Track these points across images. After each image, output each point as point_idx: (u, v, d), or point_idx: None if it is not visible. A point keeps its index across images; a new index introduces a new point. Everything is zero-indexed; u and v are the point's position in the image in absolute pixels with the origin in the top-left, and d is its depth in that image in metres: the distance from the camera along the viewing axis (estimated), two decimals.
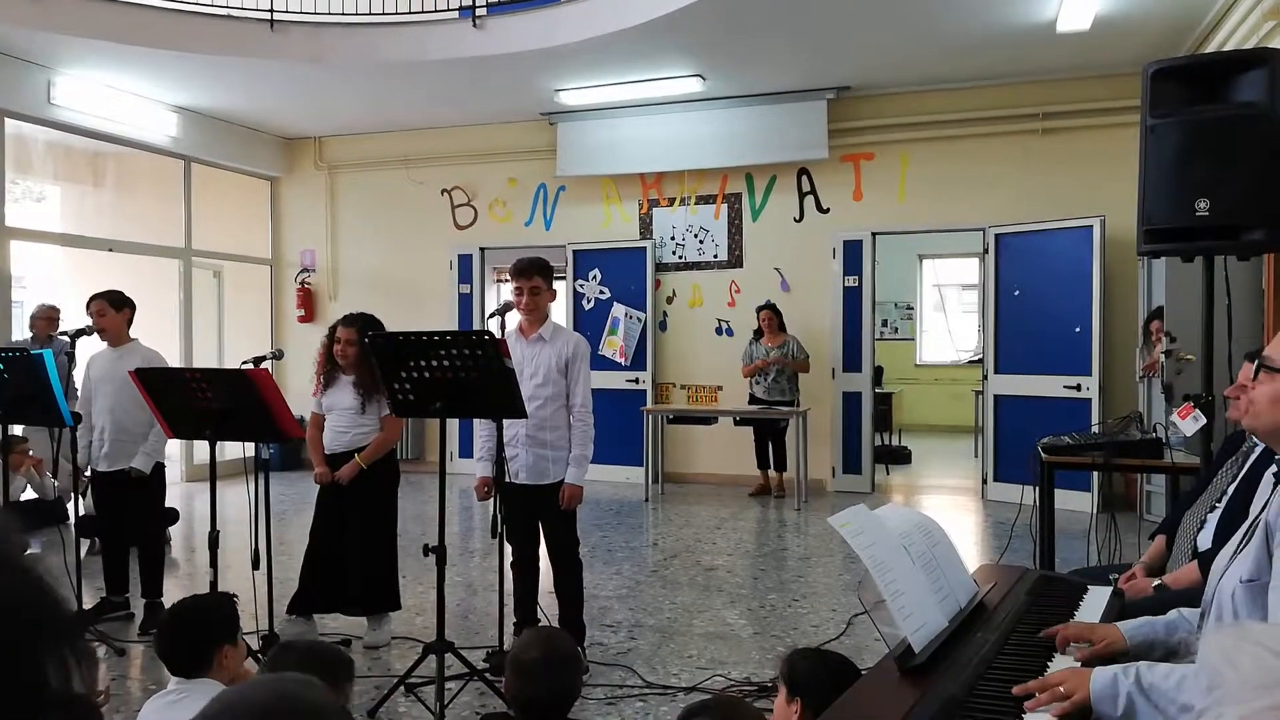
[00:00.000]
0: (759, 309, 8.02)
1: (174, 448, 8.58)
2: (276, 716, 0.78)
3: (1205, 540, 2.73)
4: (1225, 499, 2.78)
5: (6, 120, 7.34)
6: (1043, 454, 4.27)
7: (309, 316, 9.92)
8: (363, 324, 4.32)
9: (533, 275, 3.95)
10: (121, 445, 4.62)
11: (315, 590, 4.36)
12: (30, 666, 0.55)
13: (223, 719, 0.78)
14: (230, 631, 2.34)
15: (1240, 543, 1.69)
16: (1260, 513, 1.66)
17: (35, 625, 0.56)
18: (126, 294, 4.80)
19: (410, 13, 7.38)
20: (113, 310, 4.68)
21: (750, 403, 8.07)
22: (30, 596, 0.57)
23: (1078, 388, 7.29)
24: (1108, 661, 1.66)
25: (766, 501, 7.93)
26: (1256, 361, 1.68)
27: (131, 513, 4.68)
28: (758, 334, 8.10)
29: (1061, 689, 1.50)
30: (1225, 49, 5.84)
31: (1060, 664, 1.72)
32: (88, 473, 4.76)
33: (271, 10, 7.25)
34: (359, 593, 4.33)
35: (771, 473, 8.20)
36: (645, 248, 8.87)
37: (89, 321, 4.65)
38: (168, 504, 5.70)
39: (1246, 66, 3.25)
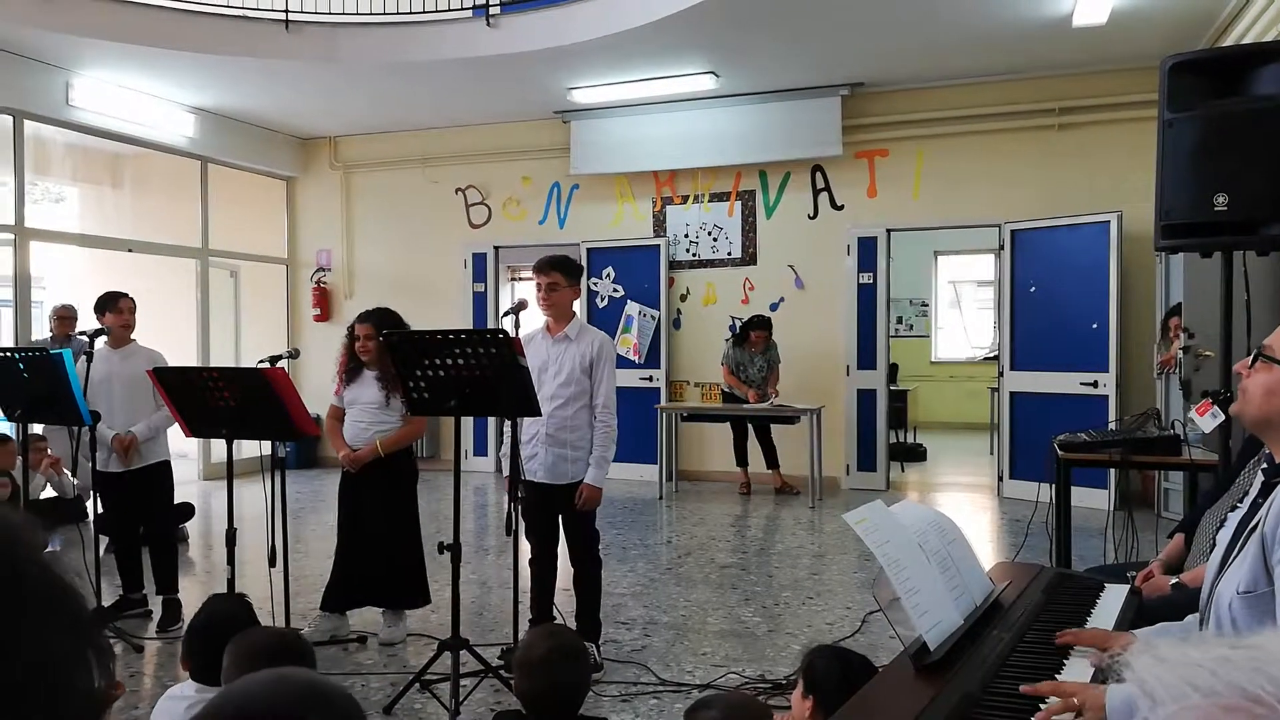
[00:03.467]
0: (751, 326, 7.98)
1: (191, 446, 8.66)
2: (311, 703, 0.78)
3: (1225, 540, 2.70)
4: (1247, 498, 2.75)
5: (26, 122, 7.41)
6: (1059, 451, 4.25)
7: (325, 316, 9.97)
8: (379, 318, 4.37)
9: (548, 271, 3.95)
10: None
11: (344, 585, 4.39)
12: (53, 665, 0.55)
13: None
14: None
15: (1237, 549, 1.64)
16: (1256, 518, 1.62)
17: (57, 624, 0.56)
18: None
19: (424, 12, 7.41)
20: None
21: (727, 402, 8.19)
22: (52, 595, 0.57)
23: (1094, 384, 7.24)
24: None
25: (772, 499, 7.92)
26: (1255, 350, 1.66)
27: (137, 511, 4.71)
28: (739, 339, 8.08)
29: (1075, 700, 1.46)
30: (1244, 42, 5.78)
31: (1075, 665, 1.70)
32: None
33: (287, 10, 7.28)
34: (386, 587, 4.37)
35: (756, 470, 8.21)
36: (659, 245, 8.86)
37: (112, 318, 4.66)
38: (185, 500, 5.73)
39: (1266, 60, 3.21)
